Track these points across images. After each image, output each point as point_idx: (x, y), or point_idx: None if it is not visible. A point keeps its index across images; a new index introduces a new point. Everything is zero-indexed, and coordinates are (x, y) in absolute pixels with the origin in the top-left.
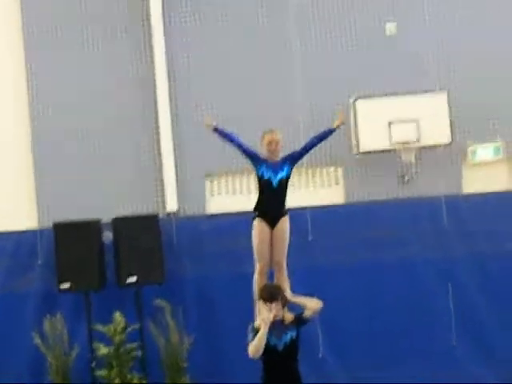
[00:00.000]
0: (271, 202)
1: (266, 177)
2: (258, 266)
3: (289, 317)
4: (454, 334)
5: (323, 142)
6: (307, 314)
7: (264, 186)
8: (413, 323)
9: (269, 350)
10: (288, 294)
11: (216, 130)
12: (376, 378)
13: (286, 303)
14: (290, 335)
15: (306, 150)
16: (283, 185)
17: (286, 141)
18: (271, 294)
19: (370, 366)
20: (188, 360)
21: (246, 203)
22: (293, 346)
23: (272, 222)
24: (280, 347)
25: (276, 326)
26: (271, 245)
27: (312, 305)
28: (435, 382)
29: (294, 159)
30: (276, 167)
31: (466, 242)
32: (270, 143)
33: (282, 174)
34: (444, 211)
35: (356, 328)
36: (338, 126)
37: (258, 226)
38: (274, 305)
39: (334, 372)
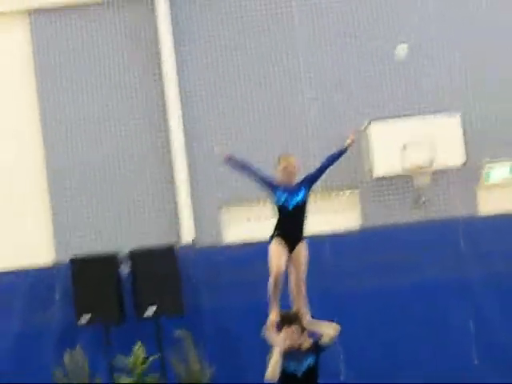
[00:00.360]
0: (288, 227)
1: (281, 202)
2: (271, 274)
3: (307, 343)
4: (474, 354)
5: (341, 167)
6: (325, 340)
7: (280, 211)
8: (434, 346)
9: (288, 376)
10: (306, 320)
11: (229, 159)
12: None
13: (304, 329)
14: (309, 362)
15: (321, 171)
16: (300, 209)
17: (305, 167)
18: (289, 318)
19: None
20: None
21: (261, 231)
22: (312, 373)
23: (290, 246)
24: (299, 373)
25: (294, 353)
26: (289, 271)
27: (329, 331)
28: None
29: (309, 182)
30: (292, 192)
31: (483, 263)
32: (286, 168)
33: (297, 198)
34: (460, 233)
35: (376, 352)
36: (350, 145)
37: (276, 243)
38: (293, 328)
39: None
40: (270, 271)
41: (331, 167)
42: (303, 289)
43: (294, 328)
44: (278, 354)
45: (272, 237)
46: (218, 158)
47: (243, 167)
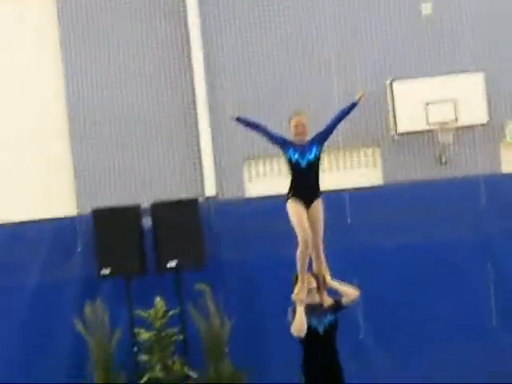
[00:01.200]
0: (302, 185)
1: (294, 160)
2: (300, 237)
3: (328, 301)
4: (494, 313)
5: (363, 124)
6: (344, 300)
7: (293, 169)
8: (452, 304)
9: (310, 332)
10: (327, 278)
11: (239, 119)
12: (416, 360)
13: (325, 287)
14: (329, 319)
15: (332, 127)
16: (313, 166)
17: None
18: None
19: (411, 348)
20: (229, 344)
21: (284, 186)
22: (333, 330)
23: (305, 204)
24: (321, 329)
25: (316, 310)
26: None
27: (349, 293)
28: (476, 363)
29: (321, 139)
30: (304, 149)
31: (504, 221)
32: (296, 126)
33: (310, 156)
34: (482, 190)
35: (396, 309)
36: (359, 100)
37: (293, 203)
38: (308, 275)
39: (374, 354)
40: (298, 236)
41: (353, 127)
42: (321, 247)
43: (310, 275)
44: (301, 311)
45: (288, 197)
46: (243, 112)
47: (254, 127)
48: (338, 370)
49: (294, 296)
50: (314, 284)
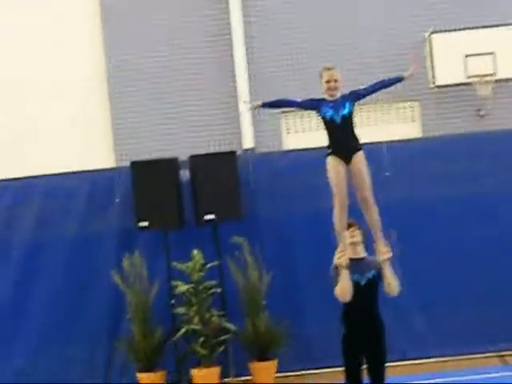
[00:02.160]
0: (340, 140)
1: (328, 116)
2: (336, 201)
3: (370, 260)
4: None
5: None
6: (384, 287)
7: (329, 125)
8: (490, 261)
9: (352, 284)
10: (383, 253)
11: (264, 105)
12: (451, 313)
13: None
14: (373, 273)
15: (371, 91)
16: (348, 121)
17: (360, 76)
18: (350, 222)
19: (446, 303)
20: (266, 297)
21: (322, 139)
22: (374, 284)
23: (346, 159)
24: (363, 282)
25: (358, 265)
26: (353, 182)
27: (391, 286)
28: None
29: (355, 97)
30: (337, 105)
31: None
32: (328, 81)
33: (344, 111)
34: None
35: (434, 262)
36: (409, 77)
37: (332, 161)
38: (353, 228)
39: (410, 307)
40: (332, 194)
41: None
42: (371, 199)
43: (354, 227)
44: (346, 275)
45: (327, 154)
46: (282, 63)
47: (279, 104)
48: (378, 323)
49: (335, 261)
50: (358, 237)
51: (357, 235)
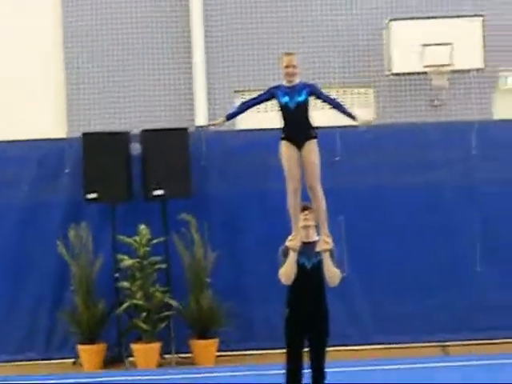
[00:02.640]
0: (293, 127)
1: (283, 102)
2: (289, 185)
3: (324, 245)
4: (478, 259)
5: (358, 64)
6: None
7: (283, 111)
8: (437, 248)
9: (298, 266)
10: (324, 244)
11: (228, 118)
12: (396, 301)
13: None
14: (319, 259)
15: (326, 100)
16: (301, 108)
17: (322, 62)
18: (304, 205)
19: (391, 288)
20: (211, 275)
21: (275, 121)
22: (321, 269)
23: (298, 145)
24: (308, 266)
25: (307, 248)
26: (303, 168)
27: (330, 277)
28: (457, 305)
29: (313, 92)
30: (293, 91)
31: (494, 168)
32: (287, 66)
33: (299, 98)
34: (474, 136)
35: (380, 249)
36: (358, 124)
37: (284, 146)
38: (306, 212)
39: (356, 293)
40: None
41: (347, 66)
42: (318, 188)
43: (309, 210)
44: (293, 258)
45: (281, 139)
46: (236, 44)
47: (243, 108)
48: (322, 307)
49: (287, 243)
50: (310, 221)
51: (310, 219)
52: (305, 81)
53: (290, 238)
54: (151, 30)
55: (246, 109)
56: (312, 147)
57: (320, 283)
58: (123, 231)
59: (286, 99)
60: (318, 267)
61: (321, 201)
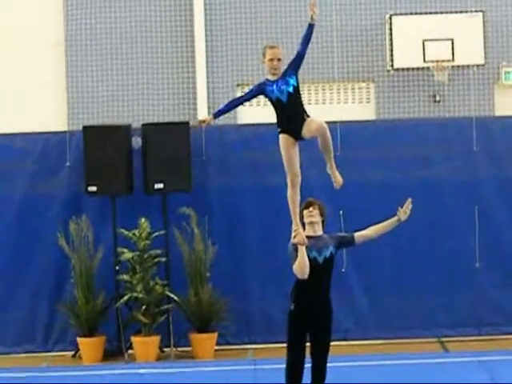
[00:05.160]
0: (290, 118)
1: (274, 97)
2: (288, 179)
3: (327, 237)
4: (477, 256)
5: (359, 58)
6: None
7: (276, 105)
8: (437, 244)
9: (310, 261)
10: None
11: (215, 116)
12: (396, 296)
13: (324, 217)
14: (330, 251)
15: (301, 54)
16: (294, 97)
17: (323, 57)
18: (309, 201)
19: (391, 284)
20: (211, 269)
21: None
22: (331, 264)
23: (297, 135)
24: (320, 260)
25: (316, 242)
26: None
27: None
28: (456, 302)
29: (294, 68)
30: (281, 84)
31: (494, 165)
32: (271, 60)
33: (288, 88)
34: (474, 132)
35: (379, 245)
36: (313, 17)
37: (283, 139)
38: (311, 208)
39: (355, 288)
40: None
41: (349, 61)
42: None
43: (314, 206)
44: (303, 253)
45: (278, 133)
46: (239, 38)
47: (231, 106)
48: (328, 304)
49: (292, 240)
50: (316, 218)
51: (315, 215)
52: (284, 68)
53: (292, 233)
54: (153, 23)
55: (234, 107)
56: (311, 119)
57: (328, 279)
58: (123, 224)
59: (276, 94)
60: (328, 262)
61: (329, 138)
